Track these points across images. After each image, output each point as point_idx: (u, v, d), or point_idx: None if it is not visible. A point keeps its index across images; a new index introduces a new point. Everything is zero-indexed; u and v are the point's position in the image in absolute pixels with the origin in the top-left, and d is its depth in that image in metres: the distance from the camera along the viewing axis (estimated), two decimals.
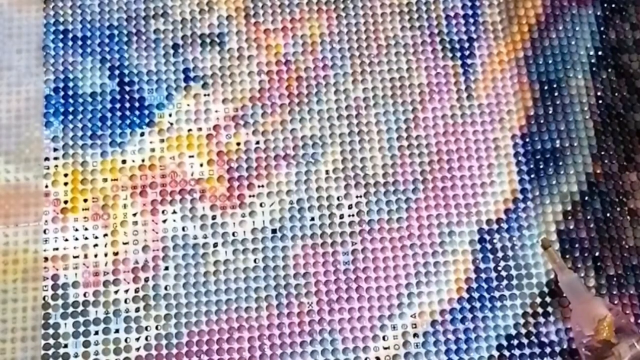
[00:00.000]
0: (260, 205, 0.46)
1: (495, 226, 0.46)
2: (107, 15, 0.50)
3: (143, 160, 0.47)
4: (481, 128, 0.48)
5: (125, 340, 0.44)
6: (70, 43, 0.49)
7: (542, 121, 0.48)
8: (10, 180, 0.46)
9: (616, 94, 0.49)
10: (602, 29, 0.50)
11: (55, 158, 0.47)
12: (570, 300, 0.43)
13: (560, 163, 0.48)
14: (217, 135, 0.48)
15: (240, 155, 0.47)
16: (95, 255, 0.45)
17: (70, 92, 0.48)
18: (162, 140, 0.47)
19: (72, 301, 0.44)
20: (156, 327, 0.44)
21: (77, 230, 0.45)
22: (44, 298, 0.44)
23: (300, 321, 0.44)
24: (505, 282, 0.45)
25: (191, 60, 0.49)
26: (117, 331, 0.44)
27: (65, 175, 0.47)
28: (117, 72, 0.49)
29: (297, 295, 0.45)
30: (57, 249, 0.45)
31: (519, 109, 0.49)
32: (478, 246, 0.46)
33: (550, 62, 0.50)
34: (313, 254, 0.45)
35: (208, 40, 0.50)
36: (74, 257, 0.45)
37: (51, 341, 0.43)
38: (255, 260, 0.45)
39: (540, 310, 0.45)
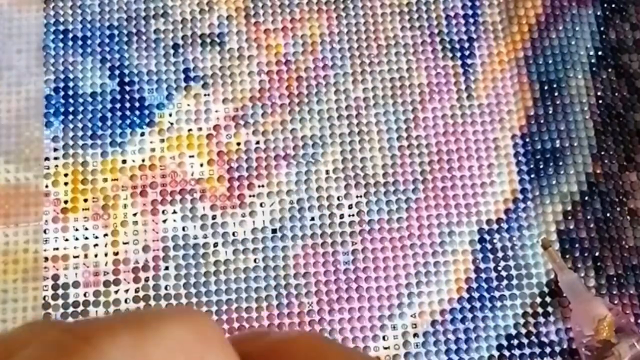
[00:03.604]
0: (260, 205, 0.46)
1: (495, 226, 0.46)
2: (107, 15, 0.50)
3: (143, 160, 0.47)
4: (481, 128, 0.48)
5: None
6: (70, 43, 0.49)
7: (542, 121, 0.48)
8: (10, 180, 0.46)
9: (616, 94, 0.49)
10: (602, 29, 0.50)
11: (55, 158, 0.47)
12: (570, 300, 0.43)
13: (560, 163, 0.48)
14: (217, 135, 0.48)
15: (240, 155, 0.47)
16: (96, 255, 0.45)
17: (70, 92, 0.48)
18: (162, 140, 0.47)
19: (72, 301, 0.44)
20: None
21: (77, 230, 0.45)
22: (44, 298, 0.44)
23: (300, 321, 0.44)
24: (505, 282, 0.45)
25: (191, 60, 0.49)
26: None
27: (65, 175, 0.47)
28: (117, 72, 0.49)
29: (297, 295, 0.45)
30: (57, 249, 0.45)
31: (519, 109, 0.49)
32: (478, 246, 0.46)
33: (550, 62, 0.50)
34: (313, 254, 0.45)
35: (208, 40, 0.50)
36: (74, 257, 0.45)
37: None
38: (255, 260, 0.45)
39: (540, 310, 0.45)
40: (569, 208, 0.47)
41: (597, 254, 0.46)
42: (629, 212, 0.47)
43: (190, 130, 0.48)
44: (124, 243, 0.45)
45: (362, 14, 0.51)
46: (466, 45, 0.50)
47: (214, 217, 0.46)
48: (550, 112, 0.49)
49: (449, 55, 0.50)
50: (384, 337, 0.44)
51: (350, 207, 0.47)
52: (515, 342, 0.44)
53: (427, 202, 0.47)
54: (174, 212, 0.46)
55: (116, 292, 0.44)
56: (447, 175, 0.47)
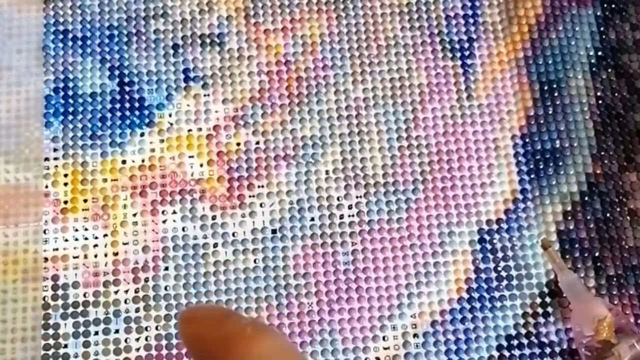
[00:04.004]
0: (260, 205, 0.46)
1: (495, 226, 0.46)
2: (107, 15, 0.50)
3: (143, 161, 0.47)
4: (481, 128, 0.48)
5: (125, 341, 0.44)
6: (70, 43, 0.49)
7: (542, 121, 0.48)
8: (10, 180, 0.46)
9: (616, 94, 0.49)
10: (602, 29, 0.50)
11: (55, 158, 0.47)
12: (570, 300, 0.43)
13: (560, 163, 0.48)
14: (217, 136, 0.48)
15: (240, 156, 0.47)
16: (95, 256, 0.45)
17: (70, 92, 0.48)
18: (162, 141, 0.47)
19: (72, 301, 0.44)
20: (156, 327, 0.44)
21: (77, 230, 0.45)
22: (44, 298, 0.44)
23: (300, 321, 0.44)
24: (505, 282, 0.45)
25: (191, 60, 0.49)
26: (117, 331, 0.44)
27: (65, 175, 0.47)
28: (117, 72, 0.49)
29: (297, 295, 0.45)
30: (57, 249, 0.45)
31: (519, 109, 0.49)
32: (478, 246, 0.46)
33: (550, 62, 0.50)
34: (313, 254, 0.45)
35: (208, 40, 0.50)
36: (74, 257, 0.45)
37: (51, 341, 0.43)
38: (255, 261, 0.45)
39: (540, 310, 0.45)
40: (569, 208, 0.47)
41: (597, 254, 0.46)
42: (629, 212, 0.47)
43: (190, 130, 0.48)
44: (124, 243, 0.45)
45: (362, 14, 0.51)
46: (466, 45, 0.50)
47: (213, 218, 0.46)
48: (550, 112, 0.49)
49: (449, 55, 0.50)
50: (384, 337, 0.44)
51: (350, 207, 0.47)
52: (515, 342, 0.44)
53: (427, 202, 0.47)
54: (174, 212, 0.46)
55: (116, 292, 0.44)
56: (447, 175, 0.47)
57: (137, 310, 0.44)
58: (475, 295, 0.45)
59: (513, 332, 0.44)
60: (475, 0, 0.51)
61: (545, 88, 0.49)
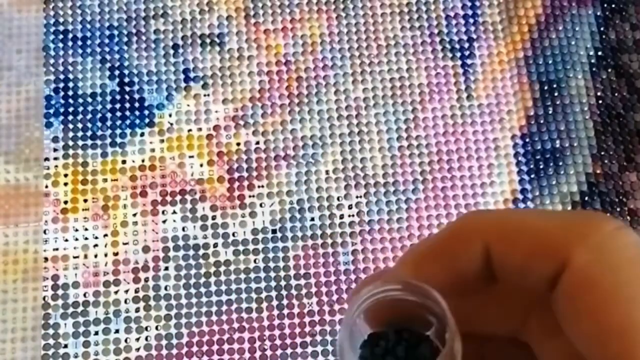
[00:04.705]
0: (260, 205, 0.46)
1: None
2: (107, 15, 0.50)
3: (143, 161, 0.47)
4: (481, 128, 0.48)
5: (125, 340, 0.44)
6: (70, 43, 0.49)
7: (542, 121, 0.48)
8: (10, 180, 0.46)
9: (616, 94, 0.49)
10: (602, 29, 0.50)
11: (55, 158, 0.47)
12: None
13: (560, 163, 0.48)
14: (217, 136, 0.48)
15: (240, 156, 0.47)
16: (95, 256, 0.45)
17: (70, 92, 0.48)
18: (162, 141, 0.47)
19: (72, 301, 0.44)
20: (156, 327, 0.44)
21: (77, 230, 0.45)
22: (44, 298, 0.44)
23: (300, 321, 0.44)
24: None
25: (191, 60, 0.49)
26: (117, 331, 0.44)
27: (65, 175, 0.47)
28: (117, 72, 0.49)
29: (297, 295, 0.45)
30: (57, 249, 0.45)
31: (519, 109, 0.49)
32: None
33: (550, 62, 0.50)
34: (313, 254, 0.45)
35: (208, 40, 0.50)
36: (74, 257, 0.45)
37: (51, 341, 0.43)
38: (255, 261, 0.45)
39: None
40: (569, 208, 0.47)
41: None
42: (629, 212, 0.47)
43: (190, 130, 0.48)
44: (124, 243, 0.45)
45: (362, 14, 0.51)
46: (466, 45, 0.50)
47: (214, 218, 0.46)
48: (550, 112, 0.49)
49: (449, 55, 0.50)
50: None
51: (350, 207, 0.47)
52: None
53: (427, 202, 0.47)
54: (174, 212, 0.46)
55: (116, 292, 0.44)
56: (447, 175, 0.47)
57: (137, 310, 0.44)
58: None
59: None
60: (475, 0, 0.51)
61: (545, 88, 0.49)
